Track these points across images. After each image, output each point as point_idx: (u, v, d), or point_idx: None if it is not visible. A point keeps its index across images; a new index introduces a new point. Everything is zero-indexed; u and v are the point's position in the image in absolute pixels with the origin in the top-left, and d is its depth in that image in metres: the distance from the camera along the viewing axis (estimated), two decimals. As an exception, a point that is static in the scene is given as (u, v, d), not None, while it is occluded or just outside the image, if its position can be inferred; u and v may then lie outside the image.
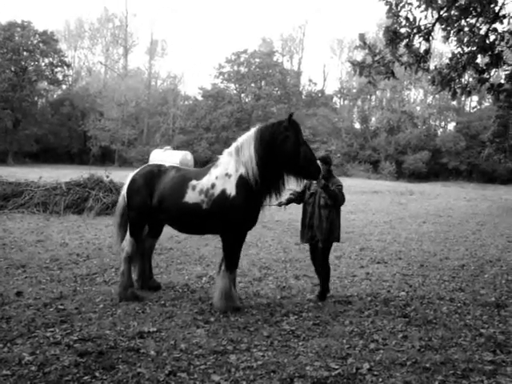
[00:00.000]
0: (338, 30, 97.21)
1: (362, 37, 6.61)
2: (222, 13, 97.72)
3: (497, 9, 6.55)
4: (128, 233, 5.95)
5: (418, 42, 6.76)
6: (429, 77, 7.52)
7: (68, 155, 54.77)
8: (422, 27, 6.58)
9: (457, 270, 8.31)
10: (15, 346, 4.32)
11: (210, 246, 9.61)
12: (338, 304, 5.99)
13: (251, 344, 4.58)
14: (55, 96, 59.10)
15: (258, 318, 5.35)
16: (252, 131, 5.58)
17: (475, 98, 56.33)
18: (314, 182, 5.88)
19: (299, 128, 5.44)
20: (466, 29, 6.74)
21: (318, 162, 5.80)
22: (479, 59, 7.13)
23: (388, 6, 6.50)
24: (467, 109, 60.22)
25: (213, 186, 5.48)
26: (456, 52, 7.04)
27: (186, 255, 8.63)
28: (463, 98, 54.74)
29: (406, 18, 6.45)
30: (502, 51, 6.76)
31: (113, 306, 5.55)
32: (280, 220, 13.53)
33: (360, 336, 4.91)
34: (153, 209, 5.75)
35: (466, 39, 6.83)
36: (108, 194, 13.98)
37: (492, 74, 7.20)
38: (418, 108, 58.98)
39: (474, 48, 6.83)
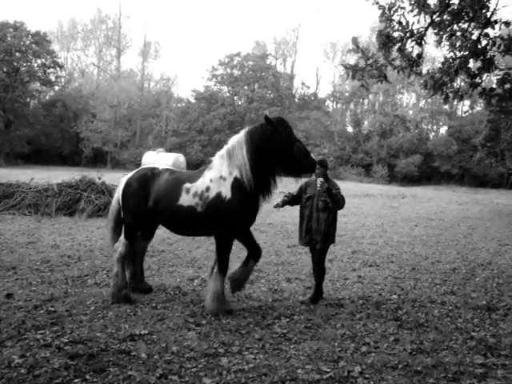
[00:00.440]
0: (331, 33, 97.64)
1: (355, 40, 6.64)
2: (215, 15, 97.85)
3: (488, 14, 6.60)
4: (122, 235, 5.93)
5: (411, 46, 6.81)
6: (421, 81, 7.57)
7: (60, 157, 54.48)
8: (415, 31, 6.62)
9: (448, 273, 8.34)
10: (5, 349, 4.27)
11: (202, 248, 9.59)
12: (330, 307, 5.99)
13: (243, 347, 4.57)
14: (47, 97, 58.82)
15: (250, 320, 5.34)
16: (242, 133, 5.58)
17: (467, 102, 56.81)
18: (318, 183, 5.89)
19: (288, 124, 5.48)
20: (459, 33, 6.80)
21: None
22: (471, 64, 7.19)
23: (381, 10, 6.54)
24: (459, 113, 60.67)
25: (207, 188, 5.48)
26: (448, 56, 7.10)
27: (178, 258, 8.60)
28: (455, 103, 55.06)
29: (399, 22, 6.49)
30: (493, 56, 6.82)
31: (104, 309, 5.51)
32: (272, 223, 13.53)
33: (351, 339, 4.91)
34: (148, 211, 5.74)
35: (458, 44, 6.89)
36: (100, 195, 13.91)
37: (484, 78, 7.23)
38: (411, 112, 59.34)
39: (466, 53, 6.89)
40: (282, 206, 6.37)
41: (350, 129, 63.75)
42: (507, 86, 7.27)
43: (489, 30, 6.74)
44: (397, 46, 6.71)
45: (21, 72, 49.38)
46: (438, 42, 6.87)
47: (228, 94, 58.69)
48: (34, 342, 4.45)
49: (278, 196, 5.98)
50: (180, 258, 8.54)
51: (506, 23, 6.49)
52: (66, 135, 55.02)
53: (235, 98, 58.82)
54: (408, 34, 6.60)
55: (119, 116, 56.53)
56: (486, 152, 27.18)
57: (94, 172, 16.33)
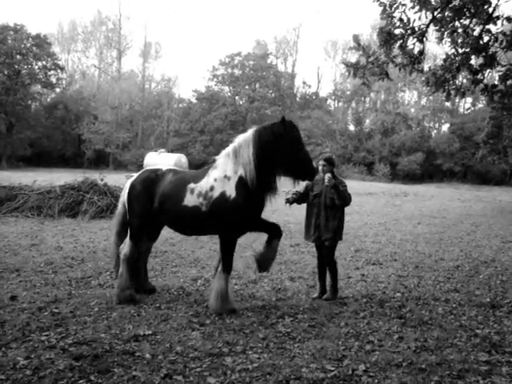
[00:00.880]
0: (332, 32, 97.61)
1: (356, 38, 6.63)
2: (215, 15, 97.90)
3: (490, 10, 6.58)
4: (128, 236, 5.95)
5: (412, 43, 6.78)
6: (423, 78, 7.55)
7: (62, 159, 54.60)
8: (416, 28, 6.59)
9: (452, 270, 8.32)
10: (10, 351, 4.28)
11: (205, 248, 9.59)
12: (334, 305, 5.98)
13: (247, 346, 4.56)
14: (49, 99, 58.97)
15: (254, 320, 5.34)
16: (250, 132, 5.58)
17: (469, 99, 56.74)
18: (326, 179, 5.93)
19: (297, 128, 5.49)
20: (460, 30, 6.77)
21: (323, 162, 6.08)
22: (473, 60, 7.16)
23: (382, 7, 6.52)
24: (461, 110, 60.61)
25: (212, 188, 5.47)
26: (450, 53, 7.06)
27: (181, 258, 8.60)
28: (457, 100, 55.07)
29: (400, 19, 6.47)
30: (495, 52, 6.79)
31: (108, 310, 5.52)
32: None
33: (355, 337, 4.90)
34: (153, 212, 5.75)
35: (459, 40, 6.86)
36: (102, 197, 13.93)
37: (486, 75, 7.21)
38: (412, 110, 59.26)
39: (468, 49, 6.86)
40: (292, 204, 6.35)
41: (351, 127, 63.81)
42: (509, 82, 7.22)
43: (491, 26, 6.71)
44: (398, 44, 6.69)
45: (22, 75, 49.53)
46: (440, 39, 6.84)
47: (229, 94, 58.74)
48: (39, 343, 4.46)
49: (280, 196, 5.95)
50: (183, 259, 8.55)
51: (508, 19, 6.46)
52: (68, 137, 55.15)
53: (236, 97, 58.86)
54: (409, 31, 6.57)
55: (121, 117, 56.66)
56: (488, 149, 27.12)
57: (96, 173, 16.33)
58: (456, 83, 7.46)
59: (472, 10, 6.54)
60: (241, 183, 5.41)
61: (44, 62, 52.16)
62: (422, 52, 6.91)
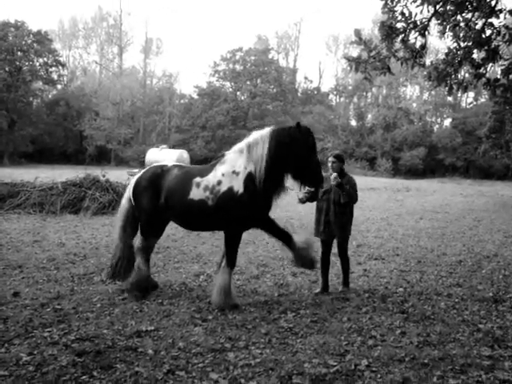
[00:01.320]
0: (333, 26, 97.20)
1: (357, 32, 6.59)
2: (216, 11, 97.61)
3: (493, 3, 6.52)
4: (139, 232, 6.06)
5: (414, 37, 6.73)
6: (425, 72, 7.51)
7: (64, 155, 54.62)
8: (418, 22, 6.54)
9: (454, 265, 8.31)
10: (12, 347, 4.29)
11: (207, 244, 9.59)
12: (336, 301, 5.98)
13: (249, 342, 4.57)
14: (50, 96, 58.93)
15: (256, 315, 5.34)
16: (267, 130, 5.59)
17: (471, 93, 56.54)
18: (333, 178, 6.06)
19: (313, 135, 5.54)
20: (462, 24, 6.72)
21: (333, 158, 6.25)
22: (475, 54, 7.11)
23: (383, 1, 6.47)
24: (463, 105, 60.39)
25: (219, 182, 5.51)
26: (452, 47, 7.01)
27: (183, 254, 8.61)
28: (459, 94, 54.81)
29: (402, 13, 6.42)
30: (498, 46, 6.73)
31: (110, 306, 5.53)
32: (277, 218, 13.50)
33: (358, 332, 4.90)
34: (160, 208, 5.80)
35: (462, 34, 6.81)
36: (104, 193, 13.95)
37: (488, 69, 7.17)
38: (414, 104, 59.11)
39: (470, 43, 6.81)
40: (304, 202, 6.36)
41: (353, 122, 63.66)
42: (512, 76, 7.19)
43: (493, 20, 6.65)
44: (400, 38, 6.65)
45: (23, 71, 49.46)
46: (442, 33, 6.79)
47: (231, 90, 58.61)
48: (42, 339, 4.47)
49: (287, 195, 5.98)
50: (185, 254, 8.55)
51: (511, 12, 6.42)
52: (70, 134, 55.14)
53: (238, 93, 58.75)
54: (411, 25, 6.53)
55: (122, 113, 56.62)
56: (490, 144, 27.05)
57: (98, 170, 16.34)
58: (458, 77, 7.41)
59: (474, 4, 6.50)
60: (249, 179, 5.43)
61: (45, 59, 52.07)
62: (423, 46, 6.86)
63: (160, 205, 5.76)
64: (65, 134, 54.63)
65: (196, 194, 5.55)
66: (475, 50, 6.98)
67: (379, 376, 3.91)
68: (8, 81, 47.53)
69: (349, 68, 7.02)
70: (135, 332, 4.69)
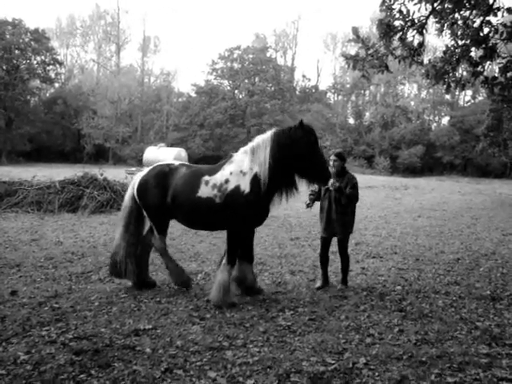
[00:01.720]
0: (331, 24, 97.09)
1: (355, 30, 6.58)
2: (214, 9, 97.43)
3: (490, 1, 6.52)
4: (155, 232, 6.10)
5: (412, 35, 6.72)
6: (423, 70, 7.49)
7: (62, 154, 54.52)
8: (416, 20, 6.53)
9: (452, 263, 8.33)
10: (10, 346, 4.28)
11: (205, 242, 9.59)
12: (334, 299, 5.99)
13: (247, 340, 4.57)
14: (48, 94, 58.82)
15: (254, 313, 5.34)
16: (269, 133, 5.72)
17: (469, 92, 56.60)
18: (330, 183, 6.01)
19: (315, 133, 5.62)
20: (460, 22, 6.71)
21: (334, 157, 6.32)
22: (473, 52, 7.10)
23: None
24: (461, 103, 60.47)
25: (227, 181, 5.62)
26: (450, 45, 7.00)
27: (181, 252, 8.60)
28: (457, 92, 54.89)
29: (400, 11, 6.41)
30: (496, 44, 6.73)
31: (108, 304, 5.52)
32: (275, 216, 13.51)
33: (356, 331, 4.91)
34: (166, 206, 5.86)
35: (459, 32, 6.80)
36: (102, 192, 13.93)
37: (486, 67, 7.16)
38: (412, 103, 59.14)
39: (468, 41, 6.79)
40: (312, 205, 6.44)
41: (351, 120, 63.68)
42: (510, 74, 7.18)
43: (491, 18, 6.64)
44: (398, 36, 6.64)
45: (20, 70, 49.33)
46: (440, 31, 6.78)
47: (228, 88, 58.57)
48: (39, 338, 4.46)
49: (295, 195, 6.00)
50: (183, 253, 8.54)
51: (509, 10, 6.40)
52: (68, 132, 55.04)
53: (236, 91, 58.70)
54: (409, 23, 6.51)
55: (120, 112, 56.52)
56: (488, 142, 27.01)
57: (95, 168, 16.33)
58: (456, 75, 7.41)
59: (472, 2, 6.48)
60: (255, 180, 5.56)
61: (43, 57, 51.91)
62: (421, 44, 6.85)
63: (167, 203, 5.84)
64: (62, 132, 54.50)
65: (204, 191, 5.66)
66: (473, 48, 6.97)
67: (377, 374, 3.91)
68: (5, 79, 47.41)
69: (347, 66, 7.01)
70: (133, 330, 4.69)
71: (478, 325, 5.13)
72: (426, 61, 7.43)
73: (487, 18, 6.63)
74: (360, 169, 49.88)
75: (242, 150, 5.87)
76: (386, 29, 6.49)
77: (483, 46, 6.72)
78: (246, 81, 57.37)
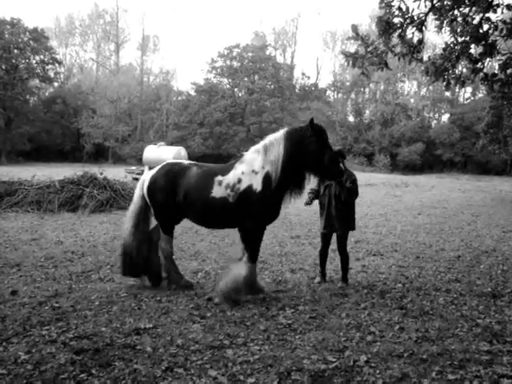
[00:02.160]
0: (330, 22, 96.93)
1: (354, 28, 6.56)
2: (213, 7, 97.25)
3: (490, -2, 6.51)
4: (161, 232, 6.16)
5: (411, 33, 6.71)
6: (422, 68, 7.48)
7: (61, 153, 54.45)
8: (415, 17, 6.52)
9: (452, 261, 8.32)
10: (11, 345, 4.28)
11: (206, 241, 9.58)
12: (335, 297, 5.99)
13: (248, 338, 4.57)
14: (47, 94, 58.70)
15: (255, 312, 5.34)
16: (281, 132, 5.81)
17: (469, 89, 56.46)
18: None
19: (326, 132, 5.74)
20: (460, 18, 6.69)
21: None
22: (473, 49, 7.09)
23: (381, -3, 6.44)
24: (461, 100, 60.33)
25: (239, 180, 5.71)
26: (449, 42, 6.99)
27: (182, 250, 8.59)
28: (457, 89, 54.78)
29: (399, 8, 6.39)
30: (495, 41, 6.72)
31: (108, 303, 5.51)
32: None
33: (357, 328, 4.90)
34: (177, 205, 5.92)
35: (459, 29, 6.79)
36: (102, 191, 13.93)
37: (486, 63, 7.15)
38: (412, 100, 59.07)
39: (468, 38, 6.79)
40: (311, 203, 6.66)
41: (351, 118, 63.57)
42: (510, 71, 7.17)
43: (490, 14, 6.64)
44: (397, 33, 6.62)
45: (19, 69, 49.20)
46: (439, 28, 6.76)
47: (228, 86, 58.49)
48: (40, 338, 4.46)
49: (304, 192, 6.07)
50: (184, 251, 8.54)
51: (508, 7, 6.39)
52: (67, 131, 54.94)
53: (235, 89, 58.61)
54: (408, 20, 6.50)
55: (119, 111, 56.46)
56: (488, 139, 26.98)
57: (95, 167, 16.31)
58: (456, 72, 7.39)
59: (471, -2, 6.47)
60: (267, 178, 5.65)
61: (42, 56, 51.75)
62: (421, 41, 6.84)
63: (177, 202, 5.89)
64: (62, 131, 54.40)
65: (218, 191, 5.74)
66: (473, 45, 6.96)
67: (378, 372, 3.91)
68: (4, 79, 47.29)
69: (346, 63, 7.00)
70: (133, 330, 4.68)
71: (479, 322, 5.13)
72: (425, 58, 7.42)
73: (487, 15, 6.62)
74: (360, 166, 49.83)
75: (252, 148, 5.95)
76: (386, 26, 6.47)
77: (483, 42, 6.71)
78: (246, 79, 57.29)
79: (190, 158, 33.07)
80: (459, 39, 6.92)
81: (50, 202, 13.24)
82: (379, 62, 6.74)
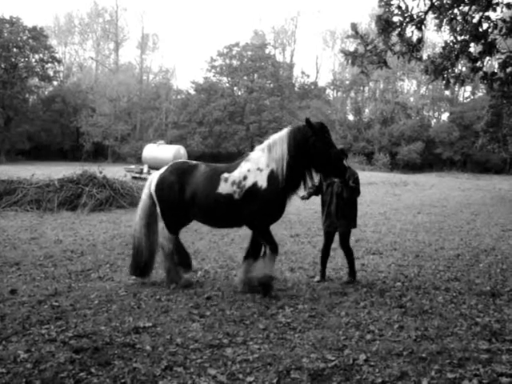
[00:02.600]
0: (330, 21, 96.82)
1: (354, 26, 6.56)
2: (213, 5, 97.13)
3: (489, -4, 6.50)
4: (165, 230, 6.23)
5: (411, 31, 6.71)
6: (422, 66, 7.49)
7: (61, 152, 54.43)
8: (415, 16, 6.52)
9: (452, 259, 8.33)
10: (10, 344, 4.28)
11: (205, 240, 9.58)
12: (334, 295, 5.99)
13: (247, 337, 4.57)
14: (46, 92, 58.60)
15: (254, 310, 5.34)
16: (285, 131, 5.95)
17: (468, 88, 56.48)
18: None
19: (328, 131, 5.85)
20: (459, 17, 6.70)
21: None
22: (472, 48, 7.10)
23: (380, -5, 6.44)
24: (460, 99, 60.29)
25: (245, 178, 5.84)
26: (449, 41, 7.00)
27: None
28: (456, 88, 54.79)
29: (398, 7, 6.40)
30: (495, 39, 6.72)
31: (108, 302, 5.52)
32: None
33: (356, 327, 4.90)
34: (185, 203, 6.02)
35: (458, 27, 6.79)
36: (101, 190, 13.93)
37: (485, 62, 7.16)
38: (412, 99, 58.99)
39: (467, 36, 6.79)
40: (308, 198, 6.71)
41: (350, 117, 63.48)
42: (509, 69, 7.17)
43: (490, 13, 6.65)
44: (396, 31, 6.63)
45: (19, 68, 49.17)
46: (439, 26, 6.77)
47: (227, 85, 58.43)
48: (39, 336, 4.46)
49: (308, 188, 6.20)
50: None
51: (508, 5, 6.40)
52: (66, 130, 54.88)
53: (235, 88, 58.57)
54: (408, 19, 6.50)
55: (119, 110, 56.38)
56: (488, 138, 26.99)
57: (94, 166, 16.30)
58: (455, 71, 7.40)
59: (471, -3, 6.47)
60: (272, 176, 5.78)
61: (41, 55, 51.69)
62: (420, 40, 6.84)
63: (185, 200, 5.99)
64: (61, 130, 54.32)
65: (224, 188, 5.87)
66: (472, 44, 6.97)
67: (377, 370, 3.91)
68: (4, 77, 47.23)
69: (346, 62, 7.01)
70: (133, 328, 4.68)
71: (478, 321, 5.13)
72: (425, 56, 7.42)
73: (486, 14, 6.63)
74: (360, 165, 49.77)
75: (258, 147, 6.10)
76: (385, 25, 6.48)
77: (482, 41, 6.71)
78: (245, 78, 57.23)
79: (189, 157, 33.07)
80: (459, 38, 6.93)
81: (49, 200, 13.24)
82: (379, 60, 6.75)
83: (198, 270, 7.18)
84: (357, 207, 6.73)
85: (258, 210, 5.80)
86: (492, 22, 6.65)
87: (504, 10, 6.60)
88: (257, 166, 5.87)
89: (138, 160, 38.92)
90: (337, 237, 6.78)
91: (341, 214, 6.52)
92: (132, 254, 6.46)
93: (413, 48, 6.82)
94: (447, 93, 57.55)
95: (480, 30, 6.67)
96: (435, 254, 8.78)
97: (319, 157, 5.70)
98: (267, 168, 5.81)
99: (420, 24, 6.62)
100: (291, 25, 65.49)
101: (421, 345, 4.43)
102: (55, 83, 58.35)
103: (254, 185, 5.78)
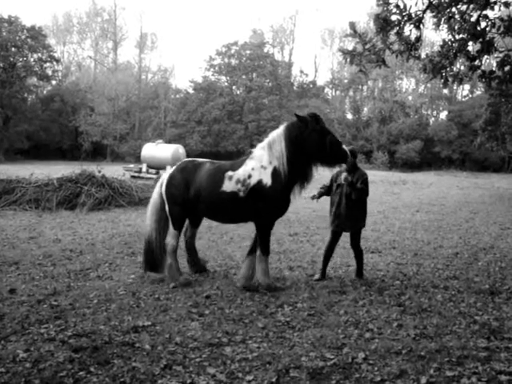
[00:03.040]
0: (328, 20, 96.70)
1: (352, 25, 6.56)
2: (211, 4, 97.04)
3: (487, -5, 6.50)
4: (171, 227, 6.37)
5: (409, 30, 6.72)
6: (420, 65, 7.49)
7: (59, 151, 54.32)
8: (413, 14, 6.52)
9: (451, 258, 8.34)
10: (9, 344, 4.28)
11: (204, 239, 9.57)
12: (333, 294, 5.99)
13: (246, 336, 4.57)
14: (45, 92, 58.47)
15: (253, 309, 5.35)
16: (281, 128, 6.06)
17: (467, 86, 56.47)
18: (343, 177, 6.52)
19: (321, 119, 5.95)
20: (457, 16, 6.70)
21: None
22: (470, 46, 7.10)
23: (378, -6, 6.44)
24: (459, 97, 60.29)
25: (249, 176, 5.93)
26: (447, 39, 7.00)
27: (180, 248, 8.53)
28: (455, 87, 54.81)
29: (397, 6, 6.40)
30: (493, 38, 6.73)
31: (107, 301, 5.52)
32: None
33: (355, 325, 4.91)
34: (191, 200, 6.14)
35: (456, 26, 6.79)
36: (100, 189, 13.90)
37: (483, 61, 7.16)
38: (410, 97, 58.98)
39: (465, 35, 6.80)
40: (319, 198, 6.86)
41: (349, 116, 63.46)
42: (507, 68, 7.18)
43: (488, 12, 6.65)
44: (395, 30, 6.63)
45: (17, 67, 49.02)
46: (437, 25, 6.77)
47: (226, 84, 58.33)
48: (38, 336, 4.46)
49: (311, 182, 6.21)
50: (182, 249, 8.51)
51: (506, 4, 6.40)
52: (65, 129, 54.75)
53: (233, 87, 58.47)
54: (406, 18, 6.51)
55: (117, 109, 56.29)
56: (486, 136, 27.02)
57: (93, 165, 16.30)
58: (453, 70, 7.41)
59: (469, -5, 6.48)
60: (275, 173, 5.87)
61: (39, 54, 51.52)
62: (418, 38, 6.84)
63: (190, 197, 6.12)
64: (60, 129, 54.18)
65: (228, 186, 5.97)
66: (470, 42, 6.97)
67: (376, 369, 3.92)
68: (2, 77, 47.10)
69: (344, 61, 7.01)
70: (132, 327, 4.69)
71: (477, 319, 5.14)
72: (423, 55, 7.43)
73: (484, 12, 6.63)
74: (358, 164, 49.71)
75: (259, 145, 6.16)
76: (383, 23, 6.48)
77: (480, 40, 6.72)
78: (244, 77, 57.12)
79: (188, 156, 33.04)
80: (457, 36, 6.93)
81: (48, 200, 13.22)
82: (377, 59, 6.75)
83: (197, 269, 7.18)
84: (366, 207, 6.79)
85: (264, 207, 5.90)
86: (490, 20, 6.65)
87: (502, 8, 6.61)
88: (260, 163, 5.96)
89: (137, 159, 38.84)
90: (343, 237, 6.85)
91: (350, 215, 6.56)
92: (143, 250, 6.64)
93: (411, 47, 6.82)
94: (445, 91, 57.57)
95: (478, 28, 6.67)
96: (434, 252, 8.79)
97: (316, 147, 5.77)
98: (270, 165, 5.91)
99: (418, 23, 6.62)
100: (290, 23, 65.47)
101: (420, 343, 4.44)
102: (54, 82, 58.25)
103: (259, 182, 5.88)
